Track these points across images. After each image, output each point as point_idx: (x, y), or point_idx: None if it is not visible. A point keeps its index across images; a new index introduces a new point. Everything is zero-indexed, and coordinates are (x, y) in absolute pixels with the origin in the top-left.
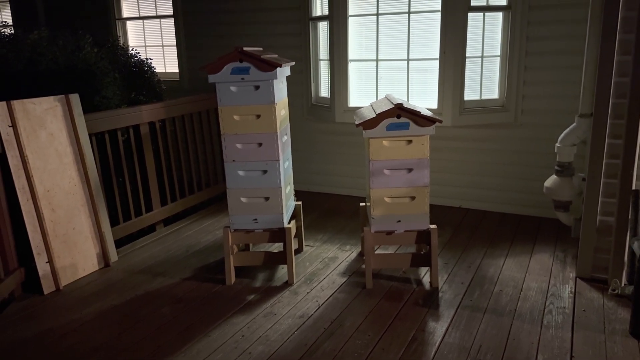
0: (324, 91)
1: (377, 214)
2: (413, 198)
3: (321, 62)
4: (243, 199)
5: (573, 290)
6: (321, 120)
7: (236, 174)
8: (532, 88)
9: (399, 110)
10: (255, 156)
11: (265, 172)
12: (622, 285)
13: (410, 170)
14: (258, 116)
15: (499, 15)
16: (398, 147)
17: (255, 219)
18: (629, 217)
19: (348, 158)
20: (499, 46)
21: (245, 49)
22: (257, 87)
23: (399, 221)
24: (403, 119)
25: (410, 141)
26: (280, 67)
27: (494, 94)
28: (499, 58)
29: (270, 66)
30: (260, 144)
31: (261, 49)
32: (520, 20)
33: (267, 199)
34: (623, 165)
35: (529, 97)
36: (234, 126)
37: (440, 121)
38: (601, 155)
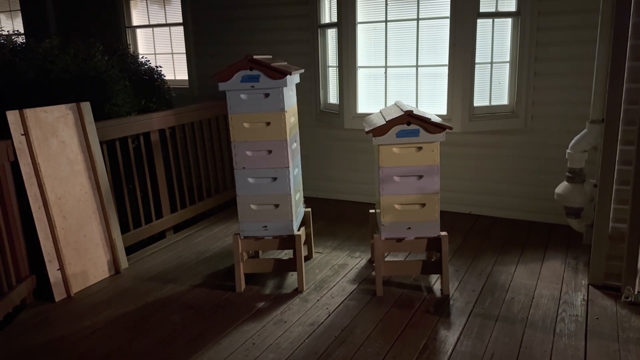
0: (333, 98)
1: (387, 220)
2: (423, 205)
3: (330, 68)
4: (253, 206)
5: (585, 297)
6: (330, 126)
7: (246, 181)
8: (542, 94)
9: (409, 117)
10: (265, 163)
11: (275, 179)
12: (636, 292)
13: (420, 177)
14: (268, 123)
15: (508, 21)
16: (408, 153)
17: (265, 226)
18: None
19: (357, 164)
20: (509, 52)
21: (255, 56)
22: (267, 95)
23: (409, 228)
24: (413, 126)
25: (420, 148)
26: (290, 74)
27: (504, 100)
28: (508, 64)
29: (280, 74)
30: (270, 151)
31: (271, 56)
32: (529, 26)
33: (276, 206)
34: (635, 171)
35: (539, 103)
36: (244, 133)
37: (451, 128)
38: (613, 161)
